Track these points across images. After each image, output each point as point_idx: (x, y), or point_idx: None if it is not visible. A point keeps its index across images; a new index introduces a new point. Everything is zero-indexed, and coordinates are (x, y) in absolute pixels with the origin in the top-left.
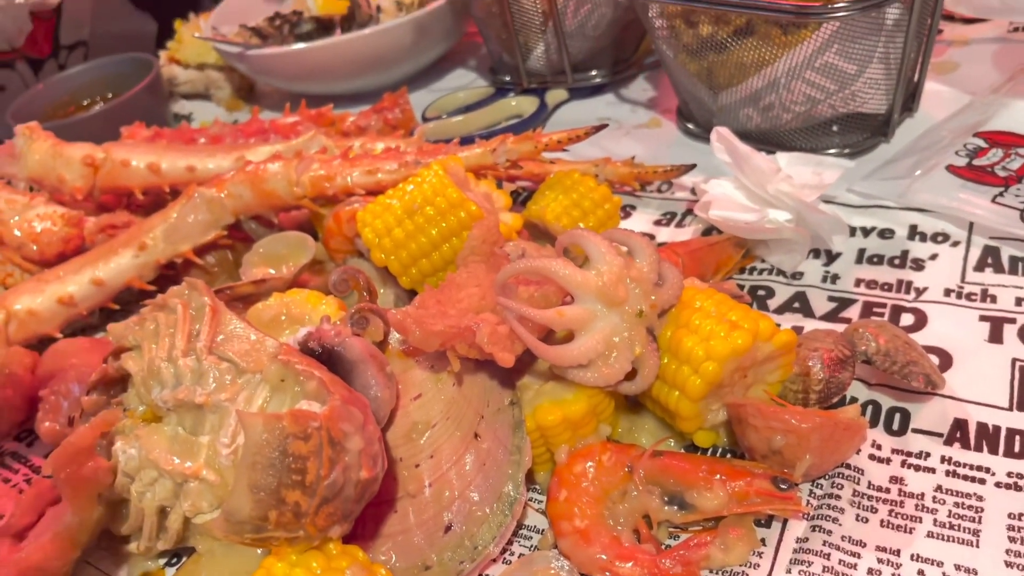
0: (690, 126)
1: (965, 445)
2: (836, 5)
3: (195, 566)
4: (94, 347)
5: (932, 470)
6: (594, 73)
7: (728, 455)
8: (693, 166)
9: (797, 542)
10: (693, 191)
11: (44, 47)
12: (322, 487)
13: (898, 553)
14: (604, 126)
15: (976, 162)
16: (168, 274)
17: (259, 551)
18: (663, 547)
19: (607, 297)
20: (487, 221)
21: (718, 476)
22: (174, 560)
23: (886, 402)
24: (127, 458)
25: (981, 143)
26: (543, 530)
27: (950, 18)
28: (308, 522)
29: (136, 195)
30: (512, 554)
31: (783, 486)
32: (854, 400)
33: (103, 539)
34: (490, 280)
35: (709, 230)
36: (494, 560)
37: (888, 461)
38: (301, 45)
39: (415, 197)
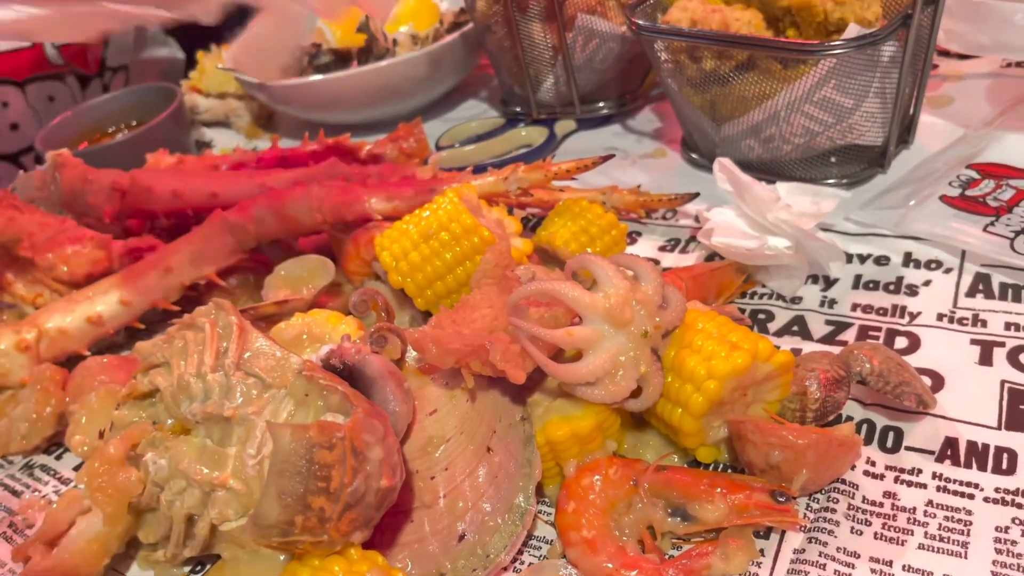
0: (694, 156)
1: (955, 462)
2: (833, 43)
3: (220, 572)
4: (122, 364)
5: (924, 486)
6: (601, 104)
7: (729, 470)
8: (696, 195)
9: (794, 553)
10: (696, 219)
11: (93, 66)
12: (345, 494)
13: (891, 564)
14: (611, 156)
15: (969, 192)
16: (191, 295)
17: (281, 557)
18: (666, 557)
19: (614, 318)
20: (499, 246)
21: (719, 489)
22: (198, 568)
23: (880, 421)
24: (157, 468)
25: (974, 174)
26: (552, 540)
27: (945, 54)
28: (332, 527)
29: (160, 219)
30: (522, 563)
31: (781, 499)
32: (849, 419)
33: (130, 547)
34: (502, 302)
35: (712, 256)
36: (505, 568)
37: (882, 477)
38: (319, 76)
39: (431, 223)
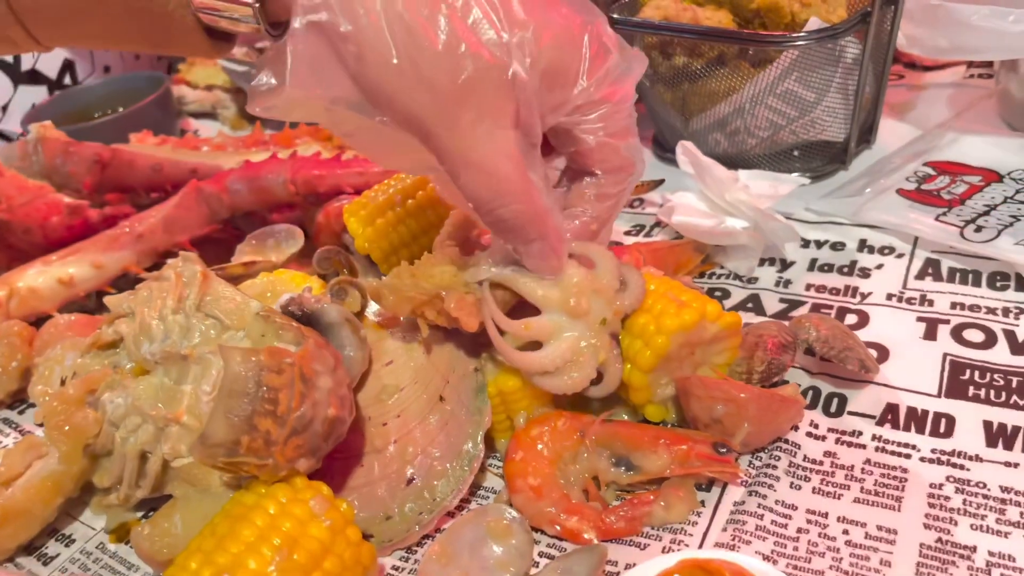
0: (664, 152)
1: (895, 426)
2: (795, 35)
3: (170, 509)
4: (90, 323)
5: (863, 446)
6: None
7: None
8: (662, 181)
9: (734, 505)
10: (661, 206)
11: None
12: (292, 418)
13: (826, 515)
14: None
15: (924, 187)
16: (164, 263)
17: (231, 495)
18: (609, 506)
19: (570, 310)
20: (463, 210)
21: (662, 440)
22: (150, 513)
23: (825, 388)
24: (114, 407)
25: (930, 171)
26: (500, 491)
27: (911, 65)
28: (278, 451)
29: (140, 194)
30: (469, 510)
31: (722, 450)
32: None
33: (85, 493)
34: (462, 262)
35: (675, 240)
36: (451, 514)
37: (824, 438)
38: None
39: (398, 191)
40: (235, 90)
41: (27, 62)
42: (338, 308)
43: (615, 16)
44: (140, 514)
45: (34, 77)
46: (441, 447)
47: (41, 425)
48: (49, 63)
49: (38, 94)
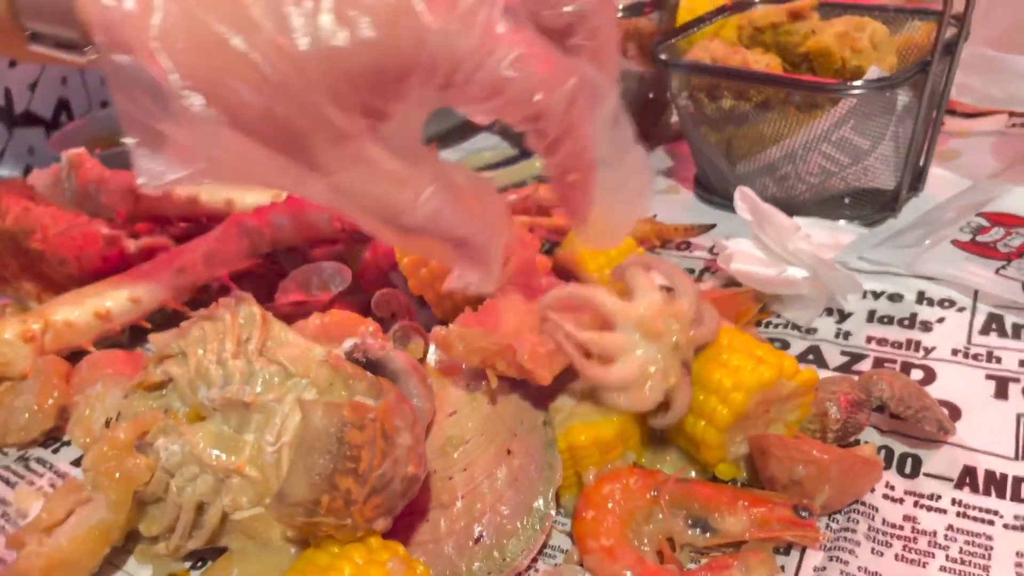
0: (707, 194)
1: (974, 489)
2: (854, 83)
3: (227, 564)
4: (129, 359)
5: (943, 511)
6: None
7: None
8: (713, 226)
9: (815, 570)
10: (711, 250)
11: None
12: (373, 476)
13: None
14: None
15: (979, 238)
16: (202, 299)
17: (292, 550)
18: (685, 569)
19: (646, 328)
20: (524, 253)
21: (741, 502)
22: (199, 564)
23: (898, 448)
24: (169, 454)
25: (983, 222)
26: (567, 549)
27: (952, 112)
28: (357, 510)
29: (174, 225)
30: (537, 571)
31: (803, 513)
32: (869, 443)
33: (128, 541)
34: (526, 308)
35: (727, 287)
36: (521, 574)
37: (901, 501)
38: None
39: None
40: None
41: (20, 103)
42: (405, 356)
43: (663, 57)
44: (188, 564)
45: (29, 119)
46: (510, 504)
47: (77, 465)
48: (43, 103)
49: (36, 136)
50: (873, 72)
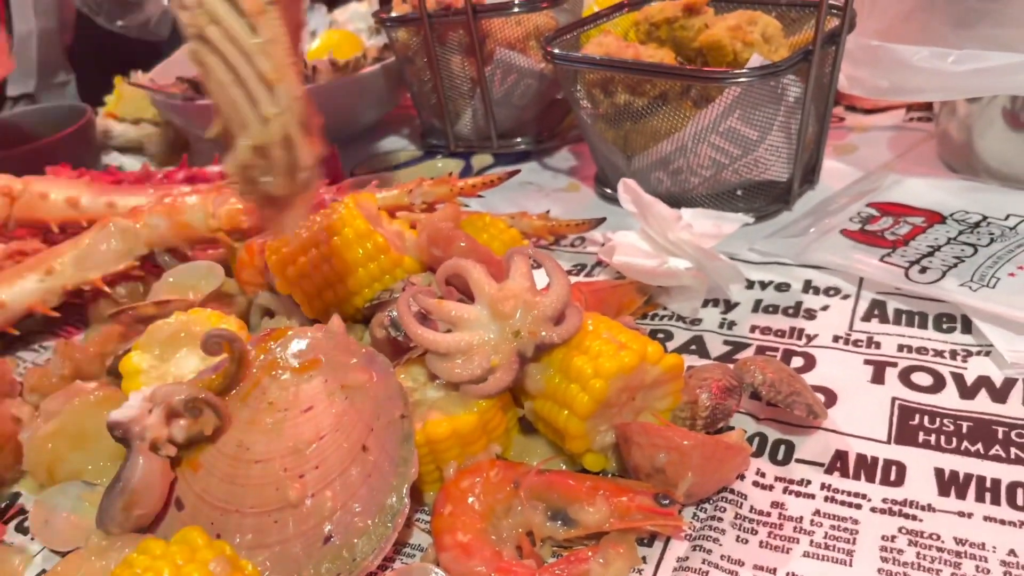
0: (607, 190)
1: (844, 474)
2: (737, 71)
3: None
4: None
5: (812, 496)
6: (519, 140)
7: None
8: (603, 219)
9: (677, 561)
10: (603, 245)
11: None
12: None
13: (775, 571)
14: (517, 172)
15: (868, 228)
16: (75, 303)
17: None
18: (545, 563)
19: (494, 307)
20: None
21: (601, 492)
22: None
23: (772, 434)
24: None
25: (873, 212)
26: (427, 548)
27: (852, 108)
28: None
29: (53, 229)
30: (392, 569)
31: (664, 502)
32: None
33: None
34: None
35: (617, 280)
36: (372, 574)
37: (771, 488)
38: None
39: (322, 227)
40: (164, 123)
41: None
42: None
43: (556, 51)
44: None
45: None
46: (363, 501)
47: None
48: None
49: None
50: (755, 60)
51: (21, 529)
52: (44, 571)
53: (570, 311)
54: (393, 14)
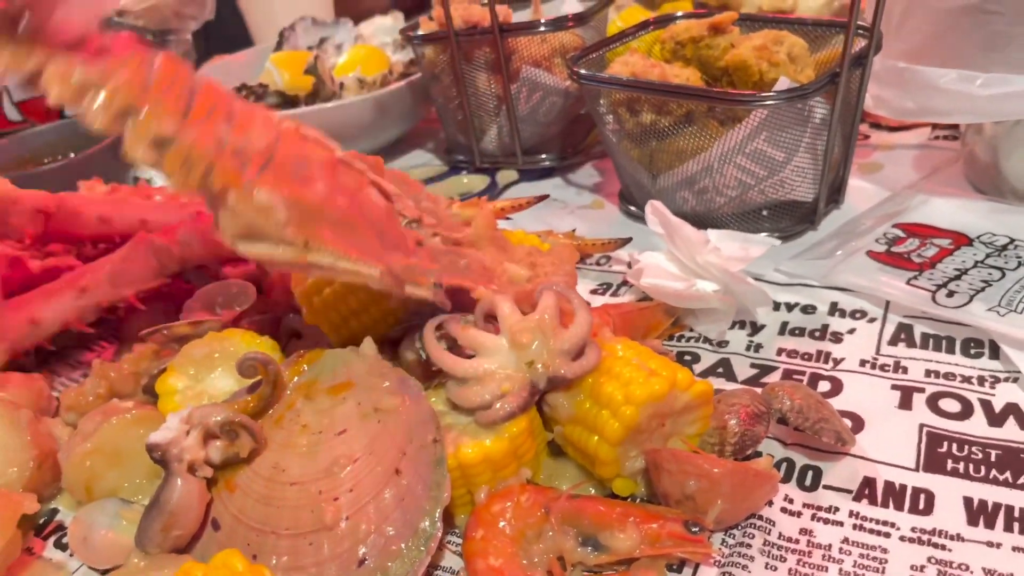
0: (631, 208)
1: (873, 501)
2: (765, 93)
3: None
4: (25, 382)
5: (840, 523)
6: (543, 157)
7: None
8: (629, 239)
9: None
10: (629, 265)
11: (53, 117)
12: None
13: None
14: (546, 196)
15: (894, 249)
16: (109, 318)
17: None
18: None
19: (512, 337)
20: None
21: (631, 518)
22: None
23: (800, 460)
24: None
25: (900, 233)
26: (458, 571)
27: (877, 126)
28: None
29: (86, 244)
30: None
31: (694, 529)
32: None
33: None
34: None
35: (642, 301)
36: None
37: (799, 514)
38: None
39: None
40: None
41: None
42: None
43: (582, 71)
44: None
45: None
46: (396, 525)
47: None
48: None
49: None
50: (783, 83)
51: (60, 545)
52: None
53: (589, 348)
54: (420, 32)
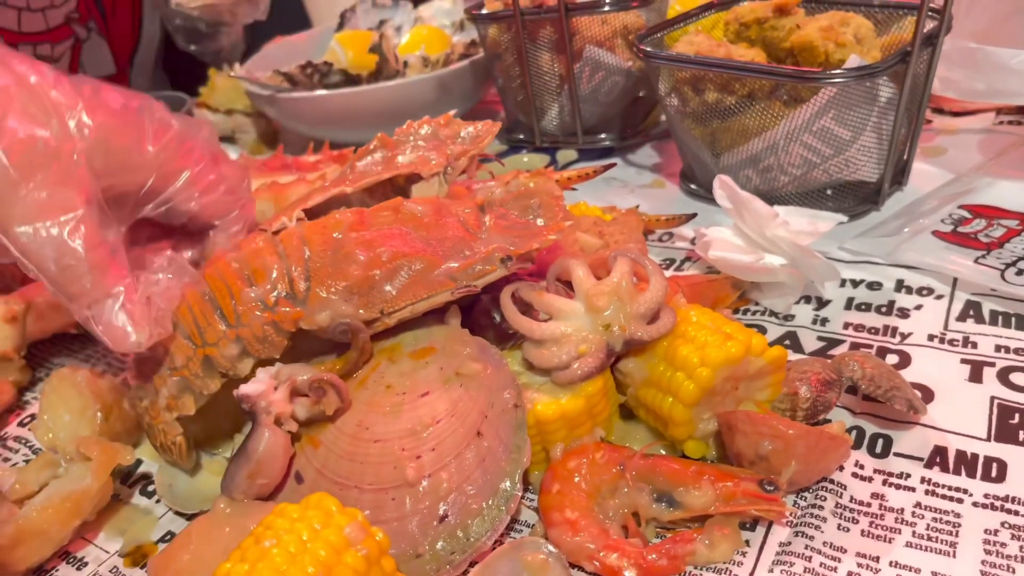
0: (692, 187)
1: (944, 469)
2: (834, 71)
3: (187, 537)
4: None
5: (912, 489)
6: (603, 136)
7: None
8: (694, 215)
9: (780, 545)
10: (693, 241)
11: None
12: None
13: (877, 559)
14: (613, 164)
15: (960, 229)
16: None
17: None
18: (650, 543)
19: (589, 300)
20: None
21: (706, 476)
22: (167, 536)
23: (870, 428)
24: None
25: (965, 214)
26: (534, 524)
27: (940, 110)
28: None
29: None
30: (504, 544)
31: (769, 488)
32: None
33: (100, 516)
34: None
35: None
36: (485, 553)
37: (870, 479)
38: (328, 91)
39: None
40: (256, 114)
41: None
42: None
43: (648, 49)
44: (156, 538)
45: None
46: (477, 484)
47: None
48: None
49: None
50: (853, 60)
51: (145, 493)
52: (171, 532)
53: (664, 312)
54: (484, 11)
